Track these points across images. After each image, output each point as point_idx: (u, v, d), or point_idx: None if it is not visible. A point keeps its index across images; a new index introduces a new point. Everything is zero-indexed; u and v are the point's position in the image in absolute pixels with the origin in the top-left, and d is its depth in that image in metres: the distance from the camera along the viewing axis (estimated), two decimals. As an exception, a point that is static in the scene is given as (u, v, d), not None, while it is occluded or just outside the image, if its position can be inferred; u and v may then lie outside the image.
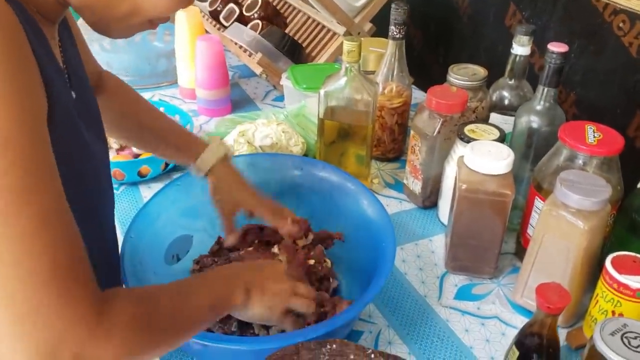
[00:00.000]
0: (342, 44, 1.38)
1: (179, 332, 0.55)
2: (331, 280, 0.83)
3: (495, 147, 0.86)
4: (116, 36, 0.60)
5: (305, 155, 1.11)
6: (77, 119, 0.60)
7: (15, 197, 0.43)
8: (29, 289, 0.42)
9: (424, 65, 1.61)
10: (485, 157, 0.83)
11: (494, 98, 1.06)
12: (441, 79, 1.10)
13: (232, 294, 0.61)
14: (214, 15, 1.62)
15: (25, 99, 0.45)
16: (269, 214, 0.84)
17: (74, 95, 0.62)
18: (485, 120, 1.06)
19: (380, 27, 1.41)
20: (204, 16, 1.51)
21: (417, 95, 1.42)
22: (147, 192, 1.07)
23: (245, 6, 1.56)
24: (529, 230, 0.90)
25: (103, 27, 0.58)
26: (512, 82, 1.04)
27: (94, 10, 0.54)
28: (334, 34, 1.42)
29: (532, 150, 0.95)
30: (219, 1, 1.61)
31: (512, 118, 1.02)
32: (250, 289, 0.63)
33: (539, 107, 0.92)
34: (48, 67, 0.52)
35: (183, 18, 1.34)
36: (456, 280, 0.90)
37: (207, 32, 1.48)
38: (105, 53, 1.48)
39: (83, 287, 0.45)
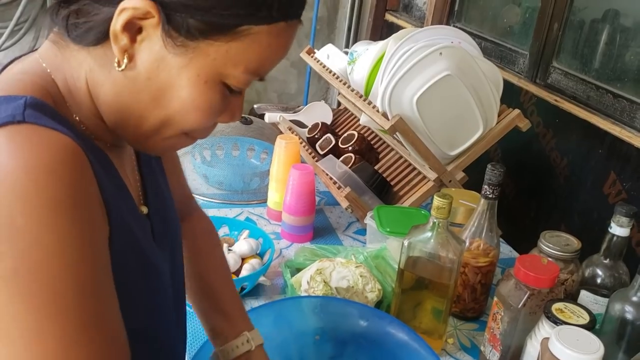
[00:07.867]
0: (431, 188, 1.41)
1: None
2: None
3: (583, 336, 0.80)
4: (157, 152, 0.62)
5: (381, 302, 1.09)
6: (139, 235, 0.60)
7: (79, 323, 0.46)
8: None
9: (514, 217, 1.58)
10: (572, 346, 0.78)
11: (586, 274, 1.01)
12: (531, 234, 1.07)
13: None
14: (311, 142, 1.68)
15: (89, 234, 0.48)
16: None
17: (144, 211, 0.64)
18: (574, 295, 1.01)
19: (472, 177, 1.41)
20: (301, 142, 1.58)
21: (504, 249, 1.39)
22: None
23: (341, 138, 1.62)
24: None
25: (140, 143, 0.59)
26: (606, 261, 0.99)
27: (127, 127, 0.57)
28: (424, 177, 1.43)
29: (624, 341, 0.88)
30: (318, 130, 1.68)
31: (604, 299, 0.97)
32: None
33: (635, 299, 0.86)
34: (110, 191, 0.54)
35: (282, 145, 1.40)
36: None
37: (302, 158, 1.54)
38: (205, 165, 1.57)
39: None
